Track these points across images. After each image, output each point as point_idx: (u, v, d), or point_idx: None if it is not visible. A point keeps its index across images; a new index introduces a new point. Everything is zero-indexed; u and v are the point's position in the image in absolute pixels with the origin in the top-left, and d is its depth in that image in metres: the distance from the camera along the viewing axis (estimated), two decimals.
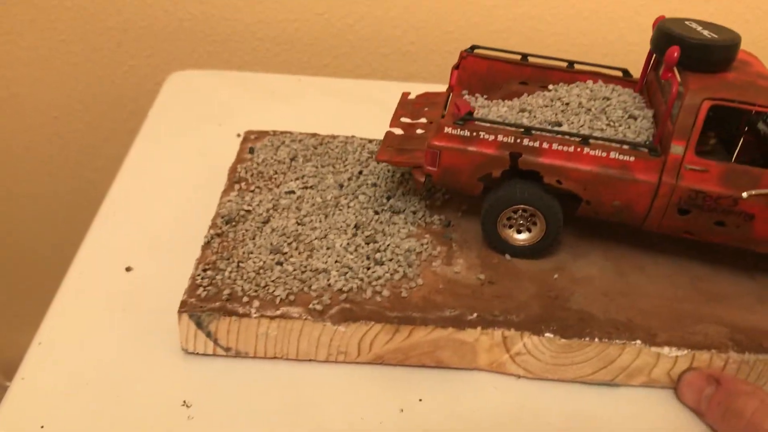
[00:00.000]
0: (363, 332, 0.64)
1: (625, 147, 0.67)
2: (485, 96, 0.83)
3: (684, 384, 0.65)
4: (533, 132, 0.68)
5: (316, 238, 0.72)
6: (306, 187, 0.80)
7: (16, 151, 1.27)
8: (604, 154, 0.67)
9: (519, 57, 0.84)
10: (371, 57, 1.24)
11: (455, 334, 0.64)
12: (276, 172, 0.83)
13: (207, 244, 0.71)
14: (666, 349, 0.65)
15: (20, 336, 0.75)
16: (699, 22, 0.71)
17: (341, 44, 1.21)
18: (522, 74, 0.84)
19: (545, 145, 0.68)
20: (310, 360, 0.66)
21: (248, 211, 0.76)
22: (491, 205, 0.71)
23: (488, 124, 0.69)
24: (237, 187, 0.80)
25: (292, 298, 0.65)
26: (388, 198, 0.79)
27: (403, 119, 0.80)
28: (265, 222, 0.74)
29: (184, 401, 0.61)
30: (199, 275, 0.67)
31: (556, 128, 0.71)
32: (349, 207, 0.77)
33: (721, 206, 0.67)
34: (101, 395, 0.61)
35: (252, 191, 0.79)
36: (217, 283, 0.66)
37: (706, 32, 0.68)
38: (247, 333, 0.64)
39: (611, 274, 0.73)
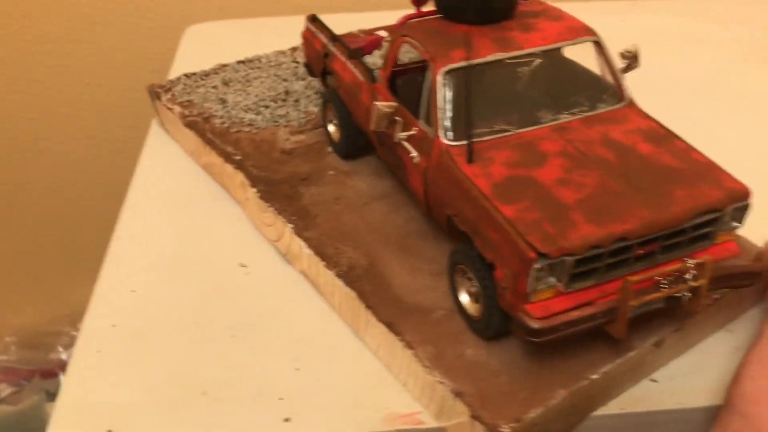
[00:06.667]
0: (195, 139, 0.91)
1: (365, 70, 0.73)
2: None
3: None
4: (336, 41, 0.79)
5: (255, 87, 0.98)
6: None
7: (62, 114, 1.51)
8: (355, 71, 0.75)
9: None
10: None
11: (223, 165, 0.85)
12: None
13: (212, 68, 1.04)
14: (304, 244, 0.73)
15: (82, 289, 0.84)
16: None
17: None
18: None
19: (336, 53, 0.79)
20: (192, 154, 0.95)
21: (257, 60, 1.05)
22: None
23: (321, 28, 0.83)
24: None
25: (186, 103, 0.95)
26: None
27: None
28: (257, 68, 1.03)
29: None
30: (179, 78, 1.02)
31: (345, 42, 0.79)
32: (308, 83, 0.98)
33: (391, 144, 0.67)
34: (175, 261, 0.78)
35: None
36: (177, 84, 1.00)
37: None
38: (166, 114, 0.97)
39: (377, 200, 0.78)
